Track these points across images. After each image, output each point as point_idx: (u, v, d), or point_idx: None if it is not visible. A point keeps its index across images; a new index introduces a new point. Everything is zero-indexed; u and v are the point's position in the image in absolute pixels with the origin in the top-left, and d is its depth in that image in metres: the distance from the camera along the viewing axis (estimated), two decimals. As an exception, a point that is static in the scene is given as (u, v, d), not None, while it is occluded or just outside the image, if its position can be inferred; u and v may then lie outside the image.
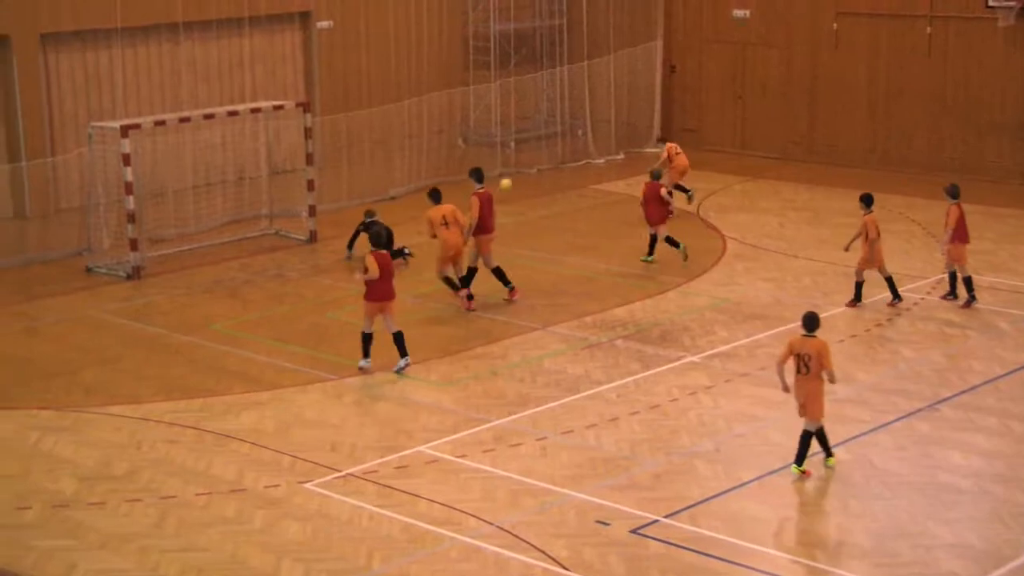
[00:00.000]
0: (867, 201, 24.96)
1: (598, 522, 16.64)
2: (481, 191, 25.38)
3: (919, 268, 27.16)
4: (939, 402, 20.35)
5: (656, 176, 28.21)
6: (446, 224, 24.72)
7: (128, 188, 27.09)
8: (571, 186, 35.42)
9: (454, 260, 24.99)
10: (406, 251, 27.92)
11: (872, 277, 25.06)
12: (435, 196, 25.26)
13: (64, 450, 19.09)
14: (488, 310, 24.87)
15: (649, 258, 27.85)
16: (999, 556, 15.75)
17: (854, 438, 19.04)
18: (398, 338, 22.01)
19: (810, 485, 17.63)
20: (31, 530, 16.58)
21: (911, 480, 17.73)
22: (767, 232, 30.23)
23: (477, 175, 25.83)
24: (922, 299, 25.22)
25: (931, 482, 17.68)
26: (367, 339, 21.99)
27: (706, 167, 35.77)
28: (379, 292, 21.76)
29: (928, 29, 35.34)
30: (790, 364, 18.11)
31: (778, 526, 16.55)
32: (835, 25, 36.92)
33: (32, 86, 31.54)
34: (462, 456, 18.66)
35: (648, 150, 39.22)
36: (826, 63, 37.37)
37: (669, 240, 27.54)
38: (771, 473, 17.98)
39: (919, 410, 20.04)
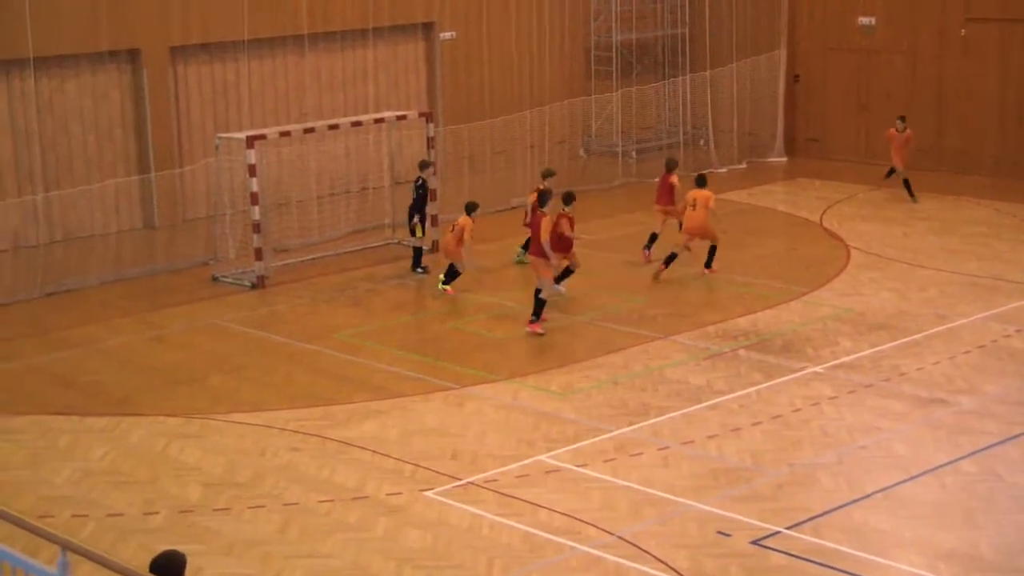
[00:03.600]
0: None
1: (719, 533, 16.54)
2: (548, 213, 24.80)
3: (1048, 278, 26.77)
4: (1068, 414, 20.03)
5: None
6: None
7: (253, 198, 27.39)
8: (693, 195, 35.23)
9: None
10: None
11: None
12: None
13: (190, 456, 19.33)
14: (609, 319, 24.83)
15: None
16: None
17: (981, 450, 18.75)
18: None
19: (935, 498, 17.40)
20: (158, 535, 16.77)
21: (1039, 493, 17.47)
22: (892, 242, 29.90)
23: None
24: (1051, 309, 24.85)
25: (1060, 495, 17.41)
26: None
27: (831, 176, 35.49)
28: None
29: (1060, 34, 34.85)
30: None
31: (902, 539, 16.34)
32: (963, 31, 36.45)
33: (161, 98, 32.04)
34: (583, 465, 18.63)
35: (771, 159, 38.99)
36: (954, 70, 36.92)
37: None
38: (895, 485, 17.76)
39: (1048, 422, 19.73)
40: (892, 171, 33.16)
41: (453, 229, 26.46)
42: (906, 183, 32.75)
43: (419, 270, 28.61)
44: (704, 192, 27.43)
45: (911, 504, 17.28)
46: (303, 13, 33.60)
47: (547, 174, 28.80)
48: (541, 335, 24.11)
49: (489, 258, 29.01)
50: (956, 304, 25.37)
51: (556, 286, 25.09)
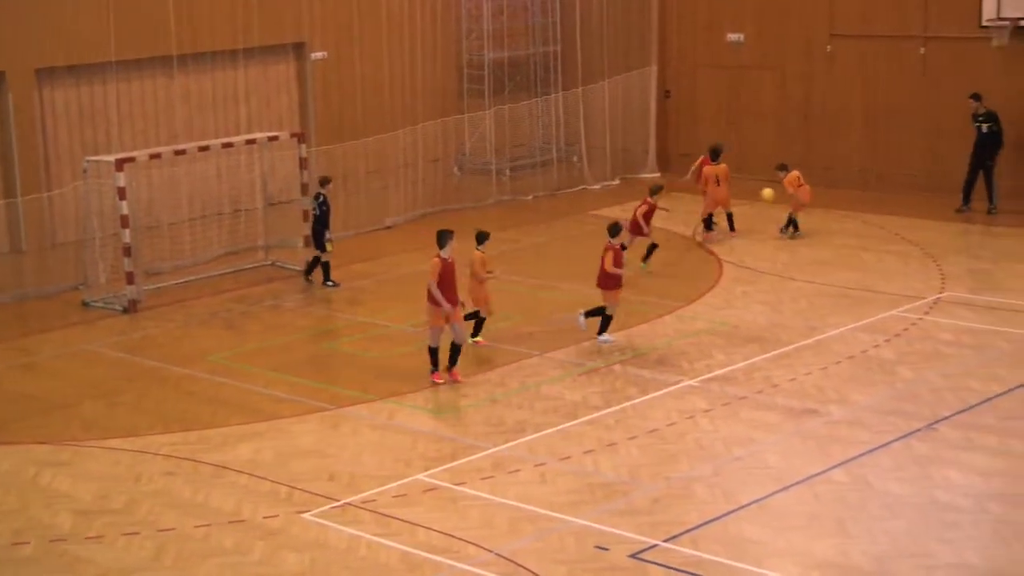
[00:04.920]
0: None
1: (597, 547, 16.59)
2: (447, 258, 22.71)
3: (916, 288, 27.14)
4: (937, 422, 20.31)
5: (655, 191, 29.21)
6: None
7: (124, 221, 27.12)
8: (567, 212, 35.44)
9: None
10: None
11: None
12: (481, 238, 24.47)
13: (62, 484, 19.05)
14: (486, 338, 24.83)
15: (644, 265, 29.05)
16: (1000, 575, 15.69)
17: (851, 459, 18.99)
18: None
19: (809, 508, 17.58)
20: (29, 565, 16.53)
21: (910, 501, 17.69)
22: (763, 255, 30.23)
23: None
24: (920, 319, 25.21)
25: (931, 502, 17.63)
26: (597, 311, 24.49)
27: (700, 191, 35.75)
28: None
29: (922, 49, 35.40)
30: None
31: (777, 548, 16.49)
32: (829, 47, 36.99)
33: (27, 121, 31.57)
34: (461, 484, 18.62)
35: (644, 175, 39.26)
36: (821, 85, 37.45)
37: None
38: (769, 496, 17.94)
39: (917, 430, 20.00)
40: (791, 220, 31.97)
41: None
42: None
43: (329, 283, 28.56)
44: (722, 166, 31.45)
45: (785, 514, 17.46)
46: (172, 34, 33.28)
47: (655, 190, 29.61)
48: (440, 384, 22.74)
49: (366, 278, 28.95)
50: (827, 316, 25.69)
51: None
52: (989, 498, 17.69)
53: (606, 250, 24.34)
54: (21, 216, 31.22)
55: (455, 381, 22.68)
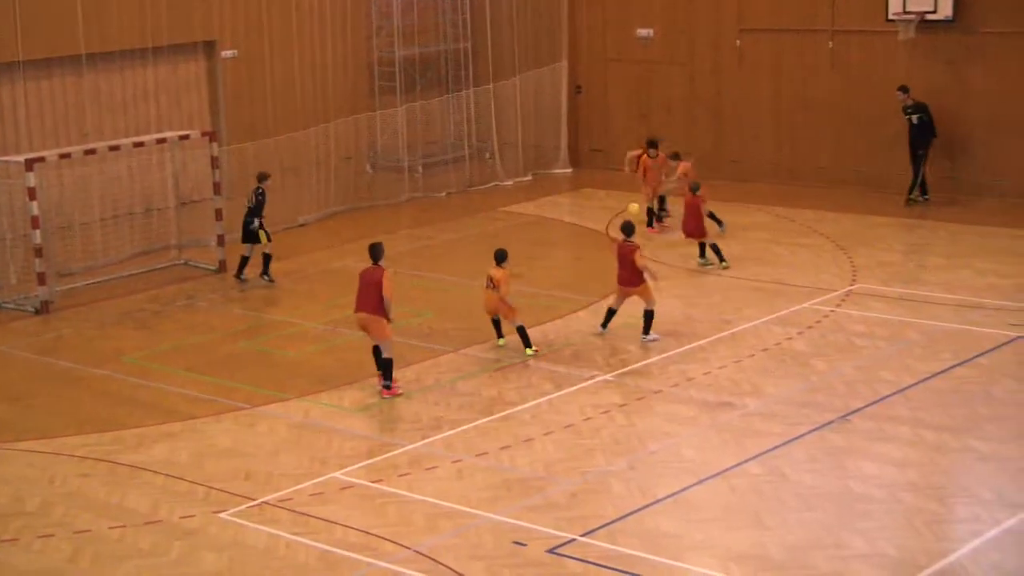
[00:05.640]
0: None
1: (515, 543, 16.65)
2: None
3: (828, 281, 27.41)
4: (850, 413, 20.53)
5: (695, 188, 28.98)
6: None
7: (34, 222, 26.88)
8: (480, 209, 35.49)
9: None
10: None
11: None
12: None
13: (-25, 488, 18.90)
14: (400, 334, 24.82)
15: (724, 264, 28.82)
16: (914, 564, 15.89)
17: (766, 452, 19.17)
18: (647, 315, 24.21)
19: (724, 500, 17.73)
20: (-57, 570, 16.41)
21: (824, 491, 17.87)
22: (675, 249, 30.35)
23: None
24: (832, 311, 25.46)
25: (844, 493, 17.83)
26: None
27: (612, 187, 35.95)
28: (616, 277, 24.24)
29: (830, 43, 35.72)
30: None
31: (694, 541, 16.62)
32: (738, 42, 37.24)
33: (-66, 121, 31.28)
34: (378, 481, 18.63)
35: (556, 171, 39.39)
36: (730, 80, 37.70)
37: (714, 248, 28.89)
38: (685, 489, 18.07)
39: (831, 422, 20.20)
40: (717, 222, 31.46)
41: (489, 285, 23.83)
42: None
43: (266, 277, 28.63)
44: (660, 157, 31.72)
45: (701, 507, 17.59)
46: (79, 33, 33.01)
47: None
48: (399, 395, 22.14)
49: (280, 276, 28.85)
50: (740, 309, 25.88)
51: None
52: (902, 488, 17.90)
53: (631, 251, 24.15)
54: (-71, 217, 30.89)
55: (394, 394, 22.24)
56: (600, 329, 24.63)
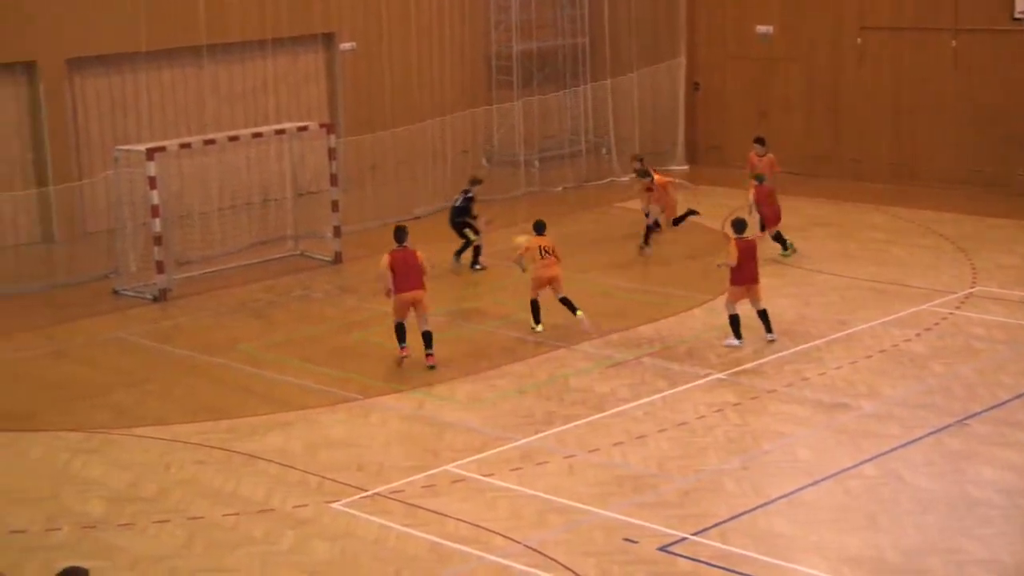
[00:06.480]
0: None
1: (626, 540, 16.59)
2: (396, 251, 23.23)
3: (946, 283, 27.06)
4: (969, 417, 20.26)
5: (760, 180, 28.97)
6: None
7: (154, 211, 27.20)
8: (595, 204, 35.44)
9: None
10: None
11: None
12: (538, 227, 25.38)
13: (93, 472, 19.13)
14: (514, 329, 24.86)
15: (786, 253, 29.17)
16: (1030, 571, 15.70)
17: (883, 454, 18.96)
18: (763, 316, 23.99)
19: (839, 502, 17.56)
20: (61, 551, 16.58)
21: (941, 495, 17.65)
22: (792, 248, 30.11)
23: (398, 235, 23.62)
24: (951, 314, 25.13)
25: (962, 497, 17.59)
26: (734, 320, 23.86)
27: (732, 184, 35.73)
28: (742, 275, 23.72)
29: (953, 42, 35.28)
30: None
31: (806, 543, 16.48)
32: (859, 40, 36.90)
33: (59, 111, 31.73)
34: (489, 475, 18.64)
35: (673, 168, 39.21)
36: (850, 78, 37.36)
37: (777, 237, 28.99)
38: (799, 490, 17.92)
39: (949, 425, 19.95)
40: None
41: (546, 254, 24.81)
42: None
43: (477, 266, 29.30)
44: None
45: (815, 508, 17.44)
46: (201, 24, 33.34)
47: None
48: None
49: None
50: (856, 309, 25.63)
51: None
52: (1021, 494, 17.64)
53: (754, 246, 24.31)
54: (53, 205, 31.41)
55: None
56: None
